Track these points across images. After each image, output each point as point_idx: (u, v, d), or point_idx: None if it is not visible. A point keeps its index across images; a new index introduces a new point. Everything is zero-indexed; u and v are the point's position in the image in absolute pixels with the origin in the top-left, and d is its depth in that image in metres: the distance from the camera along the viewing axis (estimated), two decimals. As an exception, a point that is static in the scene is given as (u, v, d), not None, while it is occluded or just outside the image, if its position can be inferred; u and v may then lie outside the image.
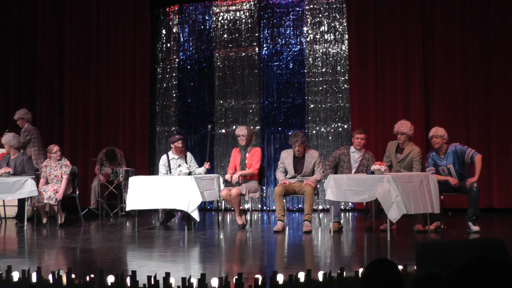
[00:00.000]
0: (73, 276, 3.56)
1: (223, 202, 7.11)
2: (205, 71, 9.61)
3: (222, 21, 9.53)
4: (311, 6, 9.14)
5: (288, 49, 9.24)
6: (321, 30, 9.09)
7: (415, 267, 3.08)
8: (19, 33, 9.99)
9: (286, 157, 6.72)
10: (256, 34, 9.34)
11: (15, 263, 4.26)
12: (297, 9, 9.22)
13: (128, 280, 3.45)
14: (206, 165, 7.21)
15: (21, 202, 7.32)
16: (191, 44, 9.72)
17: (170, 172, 7.25)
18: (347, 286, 3.40)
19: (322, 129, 9.00)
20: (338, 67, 8.99)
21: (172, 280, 3.39)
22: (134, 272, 3.47)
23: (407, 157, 6.36)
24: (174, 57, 9.78)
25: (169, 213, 7.32)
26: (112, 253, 5.16)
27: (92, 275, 3.52)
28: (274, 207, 6.99)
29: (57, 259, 5.15)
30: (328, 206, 8.38)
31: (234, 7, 9.49)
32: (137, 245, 5.83)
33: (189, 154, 7.45)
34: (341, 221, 6.63)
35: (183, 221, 7.28)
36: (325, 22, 9.08)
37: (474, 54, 8.12)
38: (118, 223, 7.65)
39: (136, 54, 9.52)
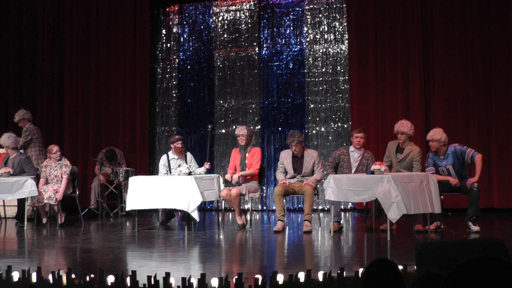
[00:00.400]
0: (73, 276, 3.56)
1: (223, 202, 7.11)
2: (205, 71, 9.61)
3: (222, 21, 9.53)
4: (311, 6, 9.14)
5: (288, 49, 9.24)
6: (321, 30, 9.09)
7: (415, 267, 3.09)
8: (19, 33, 9.98)
9: (285, 157, 6.72)
10: (256, 34, 9.34)
11: (15, 263, 4.25)
12: (297, 9, 9.22)
13: (128, 280, 3.45)
14: (206, 165, 7.21)
15: (21, 202, 7.32)
16: (191, 44, 9.72)
17: (170, 172, 7.25)
18: (347, 286, 3.40)
19: (322, 129, 9.00)
20: (338, 67, 8.99)
21: (172, 280, 3.39)
22: (134, 272, 3.47)
23: (407, 157, 6.36)
24: (174, 57, 9.78)
25: (169, 213, 7.32)
26: (112, 253, 5.16)
27: (92, 275, 3.52)
28: (274, 207, 6.99)
29: (57, 259, 5.15)
30: (328, 206, 8.39)
31: (234, 7, 9.49)
32: (137, 245, 5.83)
33: (189, 154, 7.45)
34: (341, 221, 6.63)
35: (183, 221, 7.28)
36: (325, 22, 9.08)
37: (474, 54, 8.12)
38: (118, 223, 7.65)
39: (136, 54, 9.52)
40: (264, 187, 7.30)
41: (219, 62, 9.52)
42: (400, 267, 3.16)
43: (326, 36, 9.07)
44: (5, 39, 9.96)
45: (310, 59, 9.10)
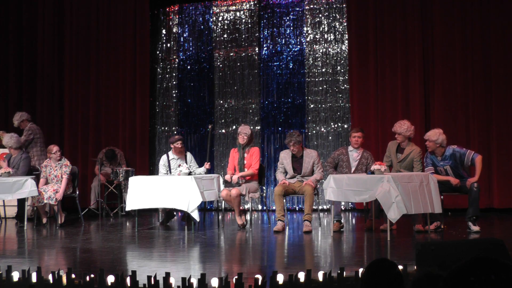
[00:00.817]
0: (73, 276, 3.56)
1: (223, 202, 7.11)
2: (205, 71, 9.61)
3: (222, 21, 9.53)
4: (311, 6, 9.14)
5: (288, 49, 9.24)
6: (321, 30, 9.09)
7: (415, 267, 3.09)
8: (19, 33, 9.98)
9: (285, 157, 6.72)
10: (256, 34, 9.34)
11: (15, 263, 4.25)
12: (297, 9, 9.22)
13: (128, 280, 3.45)
14: (206, 165, 7.21)
15: (21, 202, 7.32)
16: (191, 44, 9.72)
17: (170, 172, 7.26)
18: (347, 286, 3.40)
19: (322, 129, 9.00)
20: (338, 67, 8.99)
21: (172, 280, 3.39)
22: (134, 272, 3.47)
23: (408, 157, 6.36)
24: (174, 57, 9.78)
25: (169, 213, 7.32)
26: (112, 253, 5.16)
27: (92, 275, 3.52)
28: (274, 207, 6.99)
29: (57, 259, 5.15)
30: (328, 206, 8.39)
31: (234, 7, 9.49)
32: (137, 245, 5.83)
33: (189, 154, 7.45)
34: (342, 220, 6.64)
35: (183, 221, 7.28)
36: (325, 22, 9.08)
37: (474, 54, 8.12)
38: (118, 223, 7.65)
39: (136, 54, 9.52)
40: (264, 187, 7.30)
41: (219, 62, 9.52)
42: (400, 267, 3.15)
43: (326, 36, 9.07)
44: (5, 39, 9.96)
45: (310, 59, 9.10)
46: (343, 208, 8.24)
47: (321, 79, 9.04)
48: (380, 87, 8.47)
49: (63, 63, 9.82)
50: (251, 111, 9.33)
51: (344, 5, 8.91)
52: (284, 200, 6.63)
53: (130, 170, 8.26)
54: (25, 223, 7.13)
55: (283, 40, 9.27)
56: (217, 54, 9.53)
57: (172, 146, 7.30)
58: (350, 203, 8.50)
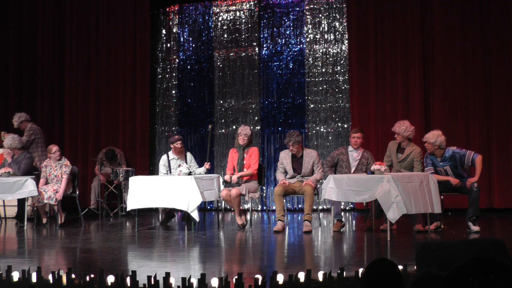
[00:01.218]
0: (73, 276, 3.56)
1: (223, 202, 7.11)
2: (205, 71, 9.62)
3: (222, 21, 9.53)
4: (311, 6, 9.14)
5: (288, 49, 9.24)
6: (321, 30, 9.09)
7: (415, 267, 3.09)
8: (19, 33, 9.99)
9: (285, 157, 6.73)
10: (256, 34, 9.34)
11: (15, 263, 4.26)
12: (297, 9, 9.22)
13: (128, 280, 3.45)
14: (206, 165, 7.21)
15: (21, 202, 7.32)
16: (191, 44, 9.72)
17: (170, 172, 7.26)
18: (347, 286, 3.40)
19: (322, 129, 9.00)
20: (338, 67, 8.99)
21: (172, 280, 3.39)
22: (134, 272, 3.47)
23: (408, 157, 6.36)
24: (174, 57, 9.78)
25: (169, 213, 7.32)
26: (112, 253, 5.16)
27: (92, 275, 3.52)
28: (274, 207, 6.99)
29: (57, 259, 5.15)
30: (328, 206, 8.39)
31: (234, 7, 9.49)
32: (137, 245, 5.83)
33: (189, 154, 7.45)
34: (343, 219, 6.63)
35: (183, 221, 7.28)
36: (325, 22, 9.08)
37: (474, 54, 8.12)
38: (118, 223, 7.65)
39: (136, 54, 9.52)
40: (264, 187, 7.30)
41: (219, 62, 9.53)
42: (400, 267, 3.15)
43: (326, 36, 9.07)
44: (5, 39, 9.96)
45: (310, 59, 9.10)
46: (343, 208, 8.24)
47: (321, 79, 9.04)
48: (380, 87, 8.47)
49: (63, 63, 9.82)
50: (251, 111, 9.33)
51: (344, 5, 8.91)
52: (284, 200, 6.63)
53: (130, 170, 8.26)
54: (25, 223, 7.13)
55: (283, 40, 9.27)
56: (217, 54, 9.53)
57: (172, 146, 7.30)
58: (350, 203, 8.49)
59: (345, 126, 8.88)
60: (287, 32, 9.25)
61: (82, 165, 9.30)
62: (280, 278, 3.43)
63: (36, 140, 8.22)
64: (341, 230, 6.41)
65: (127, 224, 7.54)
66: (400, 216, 5.43)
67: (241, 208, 6.80)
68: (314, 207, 6.88)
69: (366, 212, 6.81)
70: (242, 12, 9.43)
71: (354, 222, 7.63)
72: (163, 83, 9.81)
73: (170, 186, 6.43)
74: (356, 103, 8.59)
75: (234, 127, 9.29)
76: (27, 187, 6.90)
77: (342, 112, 8.94)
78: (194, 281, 3.36)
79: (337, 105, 8.96)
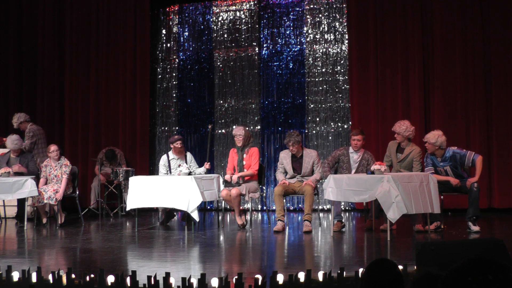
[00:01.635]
0: (73, 276, 3.56)
1: (223, 202, 7.11)
2: (205, 71, 9.62)
3: (222, 21, 9.53)
4: (311, 6, 9.14)
5: (288, 49, 9.24)
6: (321, 30, 9.09)
7: (415, 267, 3.09)
8: (19, 33, 9.99)
9: (285, 157, 6.73)
10: (256, 34, 9.34)
11: (15, 263, 4.26)
12: (297, 9, 9.22)
13: (128, 280, 3.45)
14: (206, 165, 7.21)
15: (21, 202, 7.32)
16: (191, 44, 9.72)
17: (170, 172, 7.26)
18: (347, 286, 3.40)
19: (322, 129, 9.00)
20: (338, 67, 8.99)
21: (172, 280, 3.39)
22: (134, 272, 3.47)
23: (408, 157, 6.36)
24: (174, 57, 9.78)
25: (169, 213, 7.32)
26: (112, 253, 5.16)
27: (92, 275, 3.52)
28: (274, 207, 6.99)
29: (57, 259, 5.15)
30: (328, 206, 8.39)
31: (234, 7, 9.49)
32: (137, 245, 5.83)
33: (189, 154, 7.45)
34: (343, 219, 6.64)
35: (183, 221, 7.28)
36: (325, 22, 9.08)
37: (474, 54, 8.12)
38: (118, 223, 7.65)
39: (136, 54, 9.52)
40: (264, 187, 7.30)
41: (219, 62, 9.52)
42: (400, 267, 3.16)
43: (326, 36, 9.07)
44: (6, 39, 9.96)
45: (310, 59, 9.10)
46: (343, 208, 8.24)
47: (321, 79, 9.04)
48: (380, 87, 8.47)
49: (63, 63, 9.82)
50: (251, 111, 9.33)
51: (344, 5, 8.91)
52: (284, 200, 6.63)
53: (130, 170, 8.26)
54: (25, 223, 7.13)
55: (283, 40, 9.26)
56: (217, 54, 9.53)
57: (172, 146, 7.30)
58: (350, 203, 8.49)
59: (345, 126, 8.88)
60: (287, 32, 9.25)
61: (82, 165, 9.30)
62: (280, 278, 3.43)
63: (37, 141, 8.21)
64: (341, 230, 6.41)
65: (127, 224, 7.54)
66: (400, 216, 5.43)
67: (241, 208, 6.80)
68: (314, 207, 6.87)
69: (366, 212, 6.82)
70: (242, 12, 9.43)
71: (354, 222, 7.63)
72: (163, 83, 9.81)
73: (170, 186, 6.43)
74: (356, 103, 8.59)
75: (234, 127, 9.28)
76: (27, 187, 6.90)
77: (342, 112, 8.94)
78: (194, 281, 3.36)
79: (337, 105, 8.96)
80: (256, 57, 9.33)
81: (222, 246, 5.77)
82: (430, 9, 8.31)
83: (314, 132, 9.03)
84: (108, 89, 9.60)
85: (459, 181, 6.10)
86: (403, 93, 8.34)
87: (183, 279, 3.34)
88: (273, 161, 9.02)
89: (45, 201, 7.14)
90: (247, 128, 7.46)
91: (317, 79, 9.05)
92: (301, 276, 3.43)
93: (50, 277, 3.57)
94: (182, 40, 9.75)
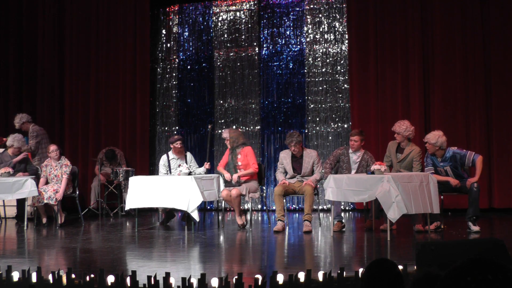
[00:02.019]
0: (73, 276, 3.56)
1: (223, 202, 7.11)
2: (205, 71, 9.62)
3: (222, 21, 9.53)
4: (311, 6, 9.14)
5: (288, 49, 9.24)
6: (321, 30, 9.09)
7: (415, 267, 3.09)
8: (19, 33, 9.98)
9: (285, 157, 6.73)
10: (256, 34, 9.34)
11: (15, 263, 4.26)
12: (297, 9, 9.22)
13: (128, 280, 3.45)
14: (206, 165, 7.21)
15: (21, 202, 7.32)
16: (191, 44, 9.72)
17: (170, 172, 7.26)
18: (347, 286, 3.40)
19: (322, 129, 9.00)
20: (338, 67, 8.99)
21: (172, 280, 3.39)
22: (134, 272, 3.47)
23: (408, 157, 6.36)
24: (174, 57, 9.78)
25: (169, 213, 7.32)
26: (112, 253, 5.16)
27: (92, 275, 3.52)
28: (274, 207, 6.99)
29: (57, 259, 5.15)
30: (328, 206, 8.39)
31: (234, 7, 9.49)
32: (137, 245, 5.83)
33: (189, 154, 7.45)
34: (343, 220, 6.64)
35: (183, 221, 7.29)
36: (325, 22, 9.08)
37: (474, 54, 8.12)
38: (118, 223, 7.65)
39: (136, 54, 9.52)
40: (264, 187, 7.30)
41: (219, 62, 9.53)
42: (400, 267, 3.16)
43: (326, 36, 9.07)
44: (6, 39, 9.96)
45: (310, 59, 9.10)
46: (343, 208, 8.24)
47: (321, 79, 9.04)
48: (380, 87, 8.47)
49: (63, 63, 9.82)
50: (251, 111, 9.33)
51: (344, 5, 8.91)
52: (284, 200, 6.63)
53: (130, 170, 8.26)
54: (25, 223, 7.13)
55: (283, 40, 9.26)
56: (217, 54, 9.53)
57: (171, 146, 7.30)
58: (350, 203, 8.49)
59: (345, 126, 8.88)
60: (287, 32, 9.25)
61: (82, 165, 9.30)
62: (280, 278, 3.43)
63: (40, 141, 8.22)
64: (342, 230, 6.41)
65: (127, 224, 7.54)
66: (400, 216, 5.43)
67: (241, 208, 6.80)
68: (314, 207, 6.87)
69: (366, 212, 6.82)
70: (242, 12, 9.43)
71: (354, 222, 7.63)
72: (163, 83, 9.81)
73: (170, 186, 6.43)
74: (356, 103, 8.59)
75: (234, 127, 9.29)
76: (27, 187, 6.90)
77: (342, 112, 8.94)
78: (194, 281, 3.36)
79: (337, 105, 8.96)
80: (256, 57, 9.33)
81: (222, 246, 5.77)
82: (430, 9, 8.32)
83: (314, 132, 9.03)
84: (108, 89, 9.60)
85: (459, 182, 6.10)
86: (403, 93, 8.34)
87: (183, 279, 3.34)
88: (273, 161, 9.02)
89: (45, 201, 7.13)
90: (235, 128, 7.46)
91: (317, 79, 9.05)
92: (301, 276, 3.43)
93: (50, 277, 3.57)
94: (182, 40, 9.75)
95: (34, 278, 3.61)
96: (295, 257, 5.13)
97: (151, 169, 9.46)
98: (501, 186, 7.99)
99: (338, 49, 9.00)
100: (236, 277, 3.33)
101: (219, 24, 9.55)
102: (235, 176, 6.75)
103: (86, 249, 5.52)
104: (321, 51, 9.07)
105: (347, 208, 8.69)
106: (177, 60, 9.76)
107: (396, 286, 1.84)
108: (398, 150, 6.49)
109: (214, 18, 9.57)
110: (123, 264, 4.76)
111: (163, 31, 9.85)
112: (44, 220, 7.38)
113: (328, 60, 9.03)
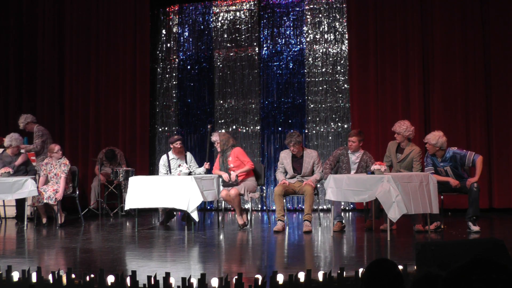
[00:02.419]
0: (73, 276, 3.56)
1: (223, 202, 7.11)
2: (205, 71, 9.62)
3: (222, 21, 9.53)
4: (311, 6, 9.14)
5: (288, 49, 9.24)
6: (321, 30, 9.09)
7: (415, 267, 3.09)
8: (19, 33, 9.98)
9: (285, 157, 6.72)
10: (256, 34, 9.34)
11: (15, 263, 4.25)
12: (297, 9, 9.22)
13: (128, 280, 3.45)
14: (206, 165, 7.21)
15: (21, 202, 7.32)
16: (191, 44, 9.72)
17: (170, 172, 7.26)
18: (347, 286, 3.40)
19: (322, 129, 9.00)
20: (338, 67, 8.99)
21: (172, 280, 3.39)
22: (134, 272, 3.47)
23: (408, 157, 6.36)
24: (174, 57, 9.78)
25: (169, 213, 7.32)
26: (112, 253, 5.16)
27: (92, 275, 3.52)
28: (274, 207, 6.99)
29: (57, 259, 5.15)
30: (328, 206, 8.39)
31: (234, 7, 9.49)
32: (137, 245, 5.83)
33: (189, 154, 7.45)
34: (343, 220, 6.64)
35: (183, 221, 7.28)
36: (325, 22, 9.08)
37: (474, 54, 8.12)
38: (118, 223, 7.65)
39: (136, 54, 9.52)
40: (264, 187, 7.30)
41: (219, 62, 9.53)
42: (400, 267, 3.16)
43: (326, 36, 9.07)
44: (6, 39, 9.96)
45: (310, 59, 9.10)
46: (343, 208, 8.24)
47: (321, 79, 9.04)
48: (380, 87, 8.46)
49: (63, 63, 9.82)
50: (251, 111, 9.33)
51: (344, 5, 8.91)
52: (284, 200, 6.63)
53: (130, 170, 8.26)
54: (25, 223, 7.13)
55: (283, 40, 9.26)
56: (217, 54, 9.53)
57: (171, 146, 7.30)
58: (350, 203, 8.49)
59: (345, 126, 8.88)
60: (287, 32, 9.25)
61: (82, 165, 9.30)
62: (280, 278, 3.43)
63: (45, 140, 8.23)
64: (343, 229, 6.41)
65: (127, 224, 7.54)
66: (400, 216, 5.43)
67: (241, 207, 6.79)
68: (314, 207, 6.87)
69: (366, 212, 6.82)
70: (242, 12, 9.43)
71: (354, 222, 7.63)
72: (163, 83, 9.81)
73: (170, 186, 6.43)
74: (356, 103, 8.58)
75: (234, 127, 9.30)
76: (27, 187, 6.90)
77: (342, 112, 8.94)
78: (194, 281, 3.36)
79: (337, 105, 8.96)
80: (256, 57, 9.33)
81: (222, 246, 5.77)
82: (430, 9, 8.31)
83: (314, 132, 9.03)
84: (108, 89, 9.60)
85: (459, 182, 6.10)
86: (403, 93, 8.34)
87: (183, 279, 3.34)
88: (273, 161, 9.02)
89: (45, 201, 7.13)
90: (224, 132, 7.46)
91: (317, 79, 9.05)
92: (301, 276, 3.43)
93: (50, 277, 3.57)
94: (182, 40, 9.75)
95: (34, 278, 3.61)
96: (295, 257, 5.13)
97: (151, 169, 9.45)
98: (501, 186, 7.98)
99: (338, 49, 9.00)
100: (236, 277, 3.33)
101: (219, 24, 9.55)
102: (233, 174, 6.72)
103: (86, 249, 5.52)
104: (321, 51, 9.07)
105: (347, 208, 8.69)
106: (177, 60, 9.76)
107: (396, 286, 1.84)
108: (398, 150, 6.49)
109: (214, 18, 9.57)
110: (123, 264, 4.76)
111: (163, 31, 9.85)
112: (44, 220, 7.37)
113: (328, 60, 9.03)
